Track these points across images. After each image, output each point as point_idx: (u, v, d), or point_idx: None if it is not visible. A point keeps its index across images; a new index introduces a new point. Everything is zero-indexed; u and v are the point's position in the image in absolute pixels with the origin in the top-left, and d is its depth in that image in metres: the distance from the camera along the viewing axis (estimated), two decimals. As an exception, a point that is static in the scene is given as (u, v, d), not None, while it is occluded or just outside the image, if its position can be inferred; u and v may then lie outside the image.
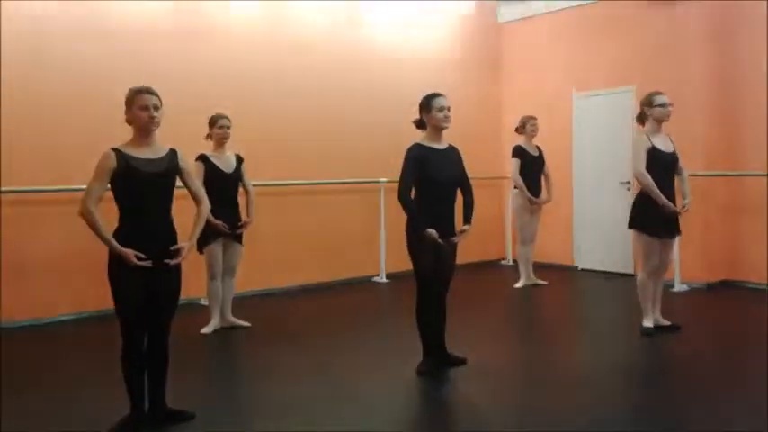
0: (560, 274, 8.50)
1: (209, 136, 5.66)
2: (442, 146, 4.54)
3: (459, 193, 4.65)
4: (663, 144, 5.34)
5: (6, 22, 5.91)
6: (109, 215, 3.49)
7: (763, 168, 7.15)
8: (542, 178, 7.61)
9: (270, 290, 7.49)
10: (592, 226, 8.73)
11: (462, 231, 4.60)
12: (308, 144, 7.79)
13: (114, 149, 3.49)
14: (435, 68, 8.89)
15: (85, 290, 6.11)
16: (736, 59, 7.51)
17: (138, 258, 3.43)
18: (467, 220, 4.64)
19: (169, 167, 3.61)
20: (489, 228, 9.54)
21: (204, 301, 6.26)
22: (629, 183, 8.01)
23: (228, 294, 5.84)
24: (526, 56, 9.53)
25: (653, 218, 5.28)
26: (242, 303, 6.35)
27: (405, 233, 4.53)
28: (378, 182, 8.09)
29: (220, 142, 5.63)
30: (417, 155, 4.43)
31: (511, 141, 7.85)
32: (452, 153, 4.59)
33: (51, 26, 6.18)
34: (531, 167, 7.48)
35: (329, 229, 8.03)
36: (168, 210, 3.65)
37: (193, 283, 5.97)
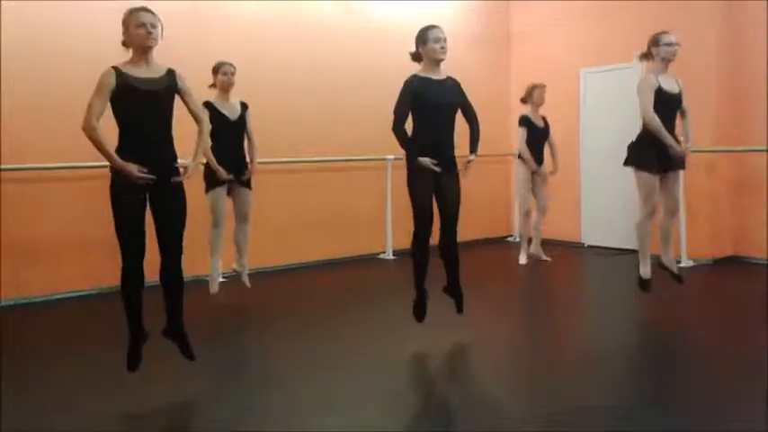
0: (566, 250, 8.51)
1: (213, 84, 5.69)
2: (439, 76, 4.52)
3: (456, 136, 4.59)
4: (668, 84, 5.28)
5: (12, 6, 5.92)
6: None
7: (772, 144, 7.11)
8: (547, 149, 7.56)
9: (277, 267, 7.53)
10: (599, 202, 8.71)
11: (468, 162, 4.56)
12: (315, 121, 7.79)
13: (113, 67, 3.54)
14: (443, 44, 8.84)
15: (98, 266, 6.17)
16: (746, 33, 7.43)
17: (140, 172, 3.49)
18: (473, 148, 4.60)
19: (168, 86, 3.66)
20: (496, 204, 9.55)
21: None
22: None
23: (243, 242, 5.91)
24: (535, 31, 9.46)
25: (648, 154, 5.20)
26: (250, 279, 6.38)
27: (406, 168, 4.51)
28: (384, 159, 8.08)
29: (225, 88, 5.68)
30: (413, 85, 4.42)
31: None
32: (451, 82, 4.57)
33: (62, 6, 6.19)
34: (537, 138, 7.43)
35: (336, 207, 8.05)
36: (168, 129, 3.69)
37: (200, 261, 6.03)
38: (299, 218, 7.73)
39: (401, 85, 4.50)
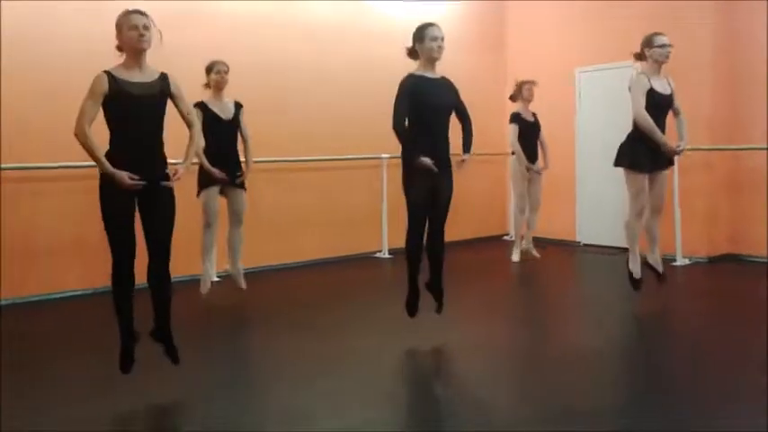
0: (561, 249, 8.52)
1: (207, 84, 5.65)
2: (435, 75, 4.53)
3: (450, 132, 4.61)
4: (660, 86, 5.32)
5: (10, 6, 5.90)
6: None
7: (767, 142, 7.11)
8: (538, 145, 7.57)
9: (272, 266, 7.53)
10: (594, 201, 8.72)
11: (462, 161, 4.58)
12: (310, 120, 7.77)
13: (106, 72, 3.53)
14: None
15: (94, 266, 6.15)
16: (741, 32, 7.44)
17: (131, 179, 3.49)
18: (466, 148, 4.62)
19: (161, 90, 3.65)
20: (492, 203, 9.56)
21: (206, 278, 6.29)
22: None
23: (235, 243, 5.85)
24: (530, 31, 9.46)
25: (639, 154, 5.26)
26: (245, 279, 6.36)
27: (402, 166, 4.52)
28: (380, 158, 8.08)
29: (218, 87, 5.63)
30: (410, 84, 4.43)
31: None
32: (445, 82, 4.58)
33: (57, 5, 6.16)
34: (528, 134, 7.45)
35: (332, 206, 8.05)
36: (160, 133, 3.70)
37: (197, 261, 6.01)
38: (294, 217, 7.72)
39: (396, 84, 4.50)
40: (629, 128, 5.45)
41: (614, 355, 4.52)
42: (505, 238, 9.59)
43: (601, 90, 8.60)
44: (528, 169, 7.44)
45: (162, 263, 3.73)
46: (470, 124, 4.67)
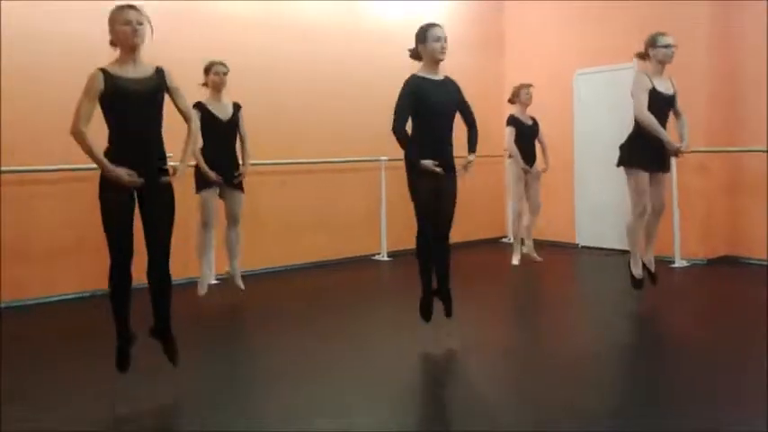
0: (560, 251, 8.52)
1: (205, 84, 5.64)
2: (438, 77, 4.51)
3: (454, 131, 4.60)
4: (662, 86, 5.32)
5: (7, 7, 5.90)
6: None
7: (764, 144, 7.12)
8: (538, 147, 7.55)
9: (271, 268, 7.52)
10: (593, 203, 8.72)
11: (468, 163, 4.57)
12: (309, 123, 7.77)
13: (102, 69, 3.52)
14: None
15: (91, 268, 6.14)
16: (738, 34, 7.47)
17: (130, 176, 3.48)
18: (472, 148, 4.60)
19: (157, 85, 3.64)
20: (491, 205, 9.56)
21: (204, 280, 6.27)
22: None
23: (232, 243, 5.84)
24: (529, 33, 9.47)
25: (642, 153, 5.26)
26: (244, 280, 6.37)
27: (405, 170, 4.48)
28: (379, 160, 8.09)
29: (217, 88, 5.61)
30: (413, 85, 4.39)
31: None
32: (449, 84, 4.56)
33: (52, 5, 6.16)
34: (526, 137, 7.43)
35: (330, 208, 8.05)
36: (158, 128, 3.68)
37: (193, 263, 6.01)
38: (293, 219, 7.72)
39: (394, 86, 4.49)
40: (628, 130, 5.46)
41: (613, 357, 4.52)
42: (504, 240, 9.59)
43: (600, 92, 8.60)
44: (525, 171, 7.43)
45: (162, 259, 3.71)
46: (475, 125, 4.67)
